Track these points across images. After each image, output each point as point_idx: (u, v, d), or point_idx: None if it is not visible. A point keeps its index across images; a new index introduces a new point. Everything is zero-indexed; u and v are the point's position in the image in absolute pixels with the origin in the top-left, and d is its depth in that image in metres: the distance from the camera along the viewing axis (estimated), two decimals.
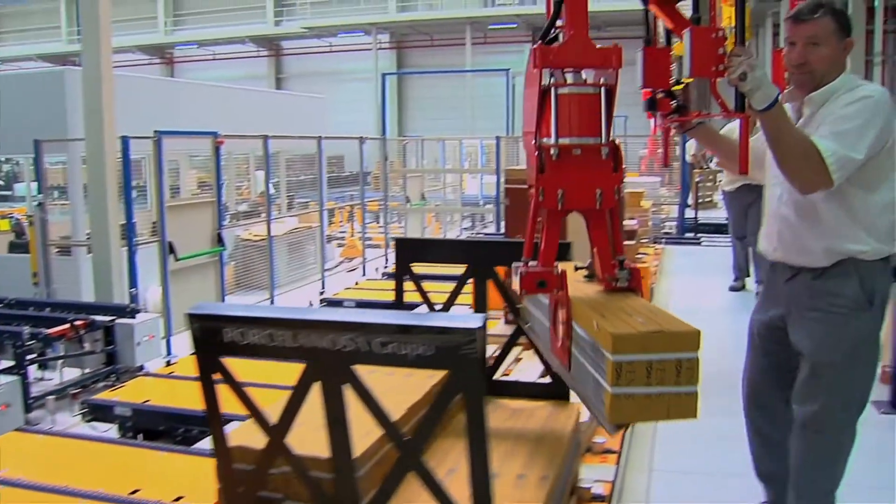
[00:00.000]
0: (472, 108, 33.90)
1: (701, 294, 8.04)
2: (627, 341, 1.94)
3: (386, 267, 12.01)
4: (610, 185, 2.27)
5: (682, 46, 2.53)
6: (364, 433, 1.99)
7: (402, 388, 2.49)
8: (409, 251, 3.11)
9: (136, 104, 10.90)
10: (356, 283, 10.13)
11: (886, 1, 24.93)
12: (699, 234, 12.93)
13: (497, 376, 4.37)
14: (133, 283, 7.37)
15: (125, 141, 7.19)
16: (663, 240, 11.88)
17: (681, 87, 2.61)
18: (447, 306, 3.08)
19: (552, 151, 2.23)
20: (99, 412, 5.03)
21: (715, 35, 2.41)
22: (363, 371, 1.72)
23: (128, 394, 5.20)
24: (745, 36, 2.55)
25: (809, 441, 2.93)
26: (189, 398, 4.79)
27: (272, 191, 14.02)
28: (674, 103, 2.63)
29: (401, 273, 3.13)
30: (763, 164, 3.06)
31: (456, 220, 16.74)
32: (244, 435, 2.06)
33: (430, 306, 3.13)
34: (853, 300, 2.86)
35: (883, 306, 2.94)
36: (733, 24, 2.64)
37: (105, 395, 5.29)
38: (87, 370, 6.58)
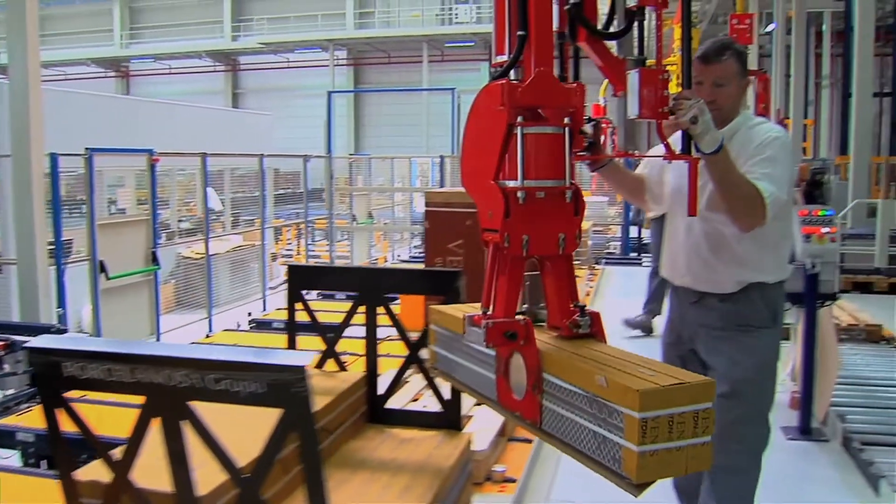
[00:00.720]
0: (428, 126, 34.06)
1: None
2: (653, 397, 1.86)
3: None
4: (573, 230, 2.21)
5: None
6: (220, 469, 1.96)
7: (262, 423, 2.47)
8: (301, 278, 3.09)
9: (70, 119, 10.76)
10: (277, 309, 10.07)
11: (833, 26, 25.47)
12: (642, 255, 13.00)
13: (406, 403, 4.39)
14: (61, 302, 7.26)
15: (54, 158, 7.10)
16: (604, 260, 11.98)
17: (590, 124, 2.59)
18: (335, 337, 3.07)
19: (519, 195, 2.12)
20: (2, 438, 4.90)
21: (661, 76, 2.35)
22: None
23: (33, 419, 5.06)
24: (690, 79, 2.55)
25: (727, 451, 2.98)
26: (96, 423, 4.69)
27: (219, 208, 13.93)
28: (586, 142, 2.60)
29: (293, 300, 3.11)
30: (661, 196, 3.19)
31: (406, 238, 16.72)
32: (95, 469, 2.03)
33: (323, 334, 3.11)
34: (760, 320, 3.06)
35: (782, 323, 3.18)
36: (676, 46, 2.63)
37: (8, 421, 5.17)
38: (8, 392, 6.44)
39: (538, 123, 2.19)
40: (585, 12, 2.28)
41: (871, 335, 7.09)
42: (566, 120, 2.21)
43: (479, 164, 2.21)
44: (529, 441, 4.35)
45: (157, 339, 8.44)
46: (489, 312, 2.21)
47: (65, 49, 36.90)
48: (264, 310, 10.46)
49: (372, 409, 3.10)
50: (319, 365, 3.15)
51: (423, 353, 2.98)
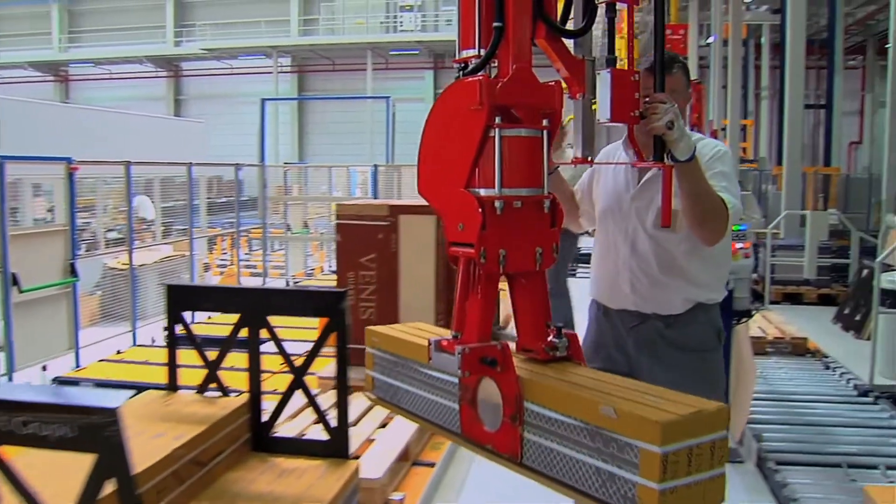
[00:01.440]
0: (372, 135, 33.76)
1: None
2: (675, 429, 1.68)
3: None
4: (549, 243, 2.04)
5: None
6: None
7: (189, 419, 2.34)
8: (181, 298, 2.94)
9: None
10: (208, 318, 9.85)
11: (772, 38, 25.79)
12: (577, 265, 12.89)
13: (305, 428, 4.23)
14: None
15: None
16: None
17: None
18: (217, 361, 2.92)
19: (496, 205, 1.93)
20: None
21: (633, 77, 2.18)
22: None
23: None
24: (664, 81, 2.33)
25: None
26: None
27: (153, 217, 13.63)
28: None
29: (172, 322, 2.96)
30: (591, 213, 3.10)
31: None
32: None
33: (205, 357, 2.96)
34: (707, 341, 2.98)
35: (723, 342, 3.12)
36: (622, 57, 2.52)
37: None
38: None
39: (516, 125, 2.00)
40: (546, 8, 2.06)
41: (797, 348, 7.09)
42: (545, 122, 2.03)
43: (444, 170, 2.02)
44: (433, 465, 4.22)
45: (76, 354, 8.18)
46: (459, 336, 2.03)
47: (1, 52, 36.13)
48: (192, 321, 10.20)
49: (256, 437, 2.96)
50: (201, 389, 3.00)
51: (329, 371, 2.84)
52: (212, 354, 2.96)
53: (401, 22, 35.83)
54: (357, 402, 4.64)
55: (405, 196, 13.39)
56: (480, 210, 1.91)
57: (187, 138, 17.00)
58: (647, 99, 2.28)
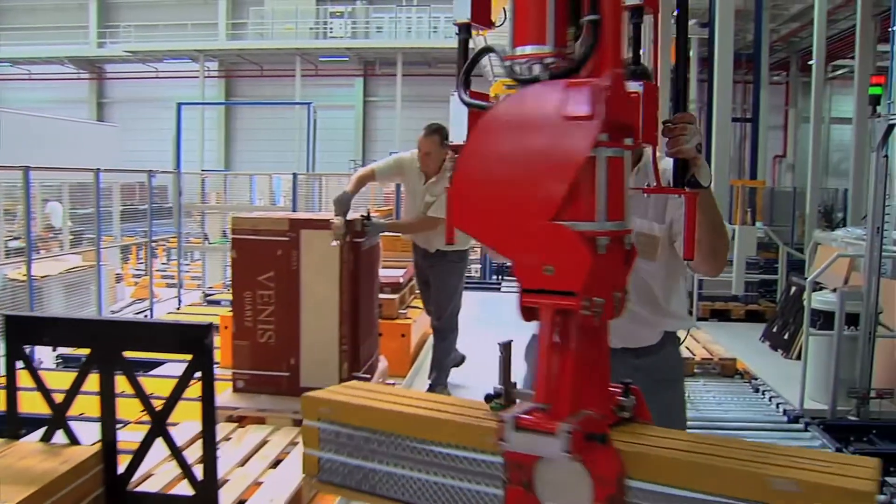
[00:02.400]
0: (300, 142, 33.19)
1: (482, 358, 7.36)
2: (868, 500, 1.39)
3: (178, 308, 11.22)
4: (623, 286, 1.66)
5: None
6: None
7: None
8: (22, 330, 2.53)
9: None
10: None
11: (700, 52, 25.97)
12: (502, 278, 12.65)
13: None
14: None
15: None
16: None
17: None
18: (64, 404, 2.51)
19: (601, 242, 1.54)
20: None
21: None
22: None
23: None
24: (687, 100, 2.00)
25: None
26: None
27: (58, 224, 13.00)
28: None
29: (12, 358, 2.54)
30: None
31: None
32: None
33: (51, 404, 2.55)
34: (675, 371, 2.80)
35: None
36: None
37: None
38: None
39: (617, 144, 1.59)
40: None
41: (726, 369, 6.84)
42: (628, 140, 1.63)
43: (513, 196, 1.56)
44: None
45: None
46: (548, 408, 1.61)
47: None
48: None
49: (111, 493, 2.55)
50: (46, 437, 2.58)
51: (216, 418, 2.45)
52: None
53: (331, 28, 35.30)
54: (250, 437, 4.24)
55: (329, 207, 13.00)
56: (588, 250, 1.51)
57: (100, 142, 16.30)
58: (674, 119, 1.98)
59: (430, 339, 6.35)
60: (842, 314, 5.42)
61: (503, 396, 1.82)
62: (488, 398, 1.87)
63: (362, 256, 4.70)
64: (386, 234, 8.38)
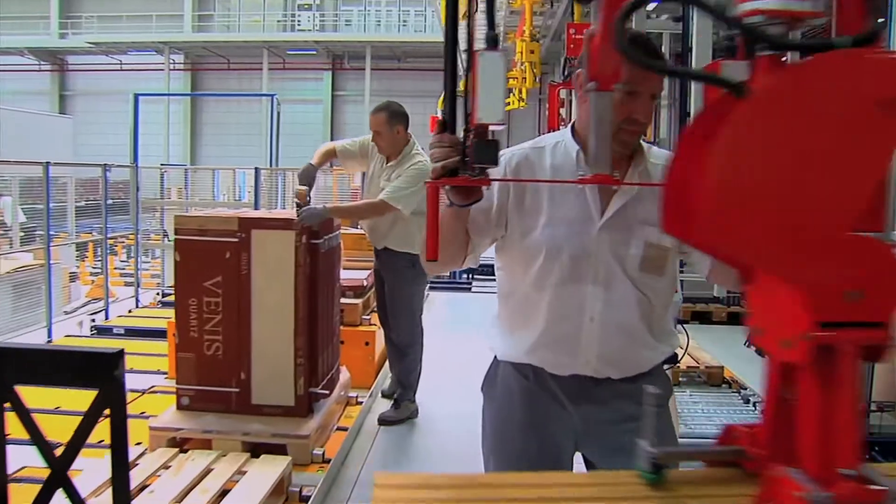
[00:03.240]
0: (267, 136, 32.61)
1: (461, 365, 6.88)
2: None
3: (129, 312, 10.68)
4: None
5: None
6: None
7: None
8: None
9: None
10: (66, 336, 8.81)
11: (672, 48, 25.69)
12: (472, 277, 12.18)
13: None
14: None
15: None
16: (428, 285, 10.88)
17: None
18: None
19: None
20: None
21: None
22: None
23: None
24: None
25: None
26: None
27: (21, 219, 12.43)
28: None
29: None
30: (485, 246, 2.21)
31: None
32: None
33: None
34: (665, 392, 2.34)
35: None
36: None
37: None
38: None
39: None
40: None
41: (712, 378, 6.39)
42: None
43: (787, 200, 1.18)
44: None
45: None
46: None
47: None
48: (49, 338, 9.14)
49: None
50: None
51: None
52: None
53: (298, 21, 34.82)
54: (191, 465, 3.78)
55: (292, 202, 12.50)
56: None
57: (52, 135, 15.71)
58: None
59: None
60: None
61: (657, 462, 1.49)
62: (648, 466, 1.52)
63: (320, 259, 4.24)
64: (348, 231, 7.96)
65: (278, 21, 35.26)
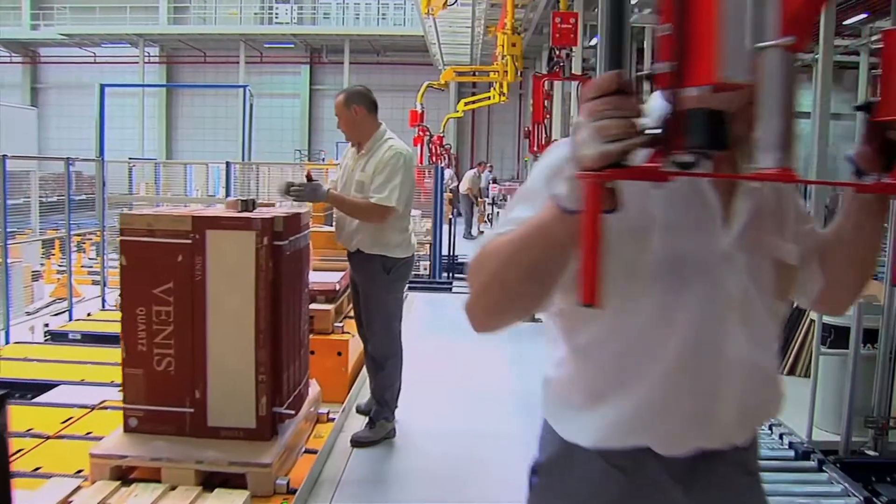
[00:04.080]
0: (248, 131, 32.15)
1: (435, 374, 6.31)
2: None
3: (104, 308, 10.16)
4: None
5: None
6: None
7: None
8: None
9: None
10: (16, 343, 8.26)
11: (639, 44, 25.35)
12: (453, 276, 11.68)
13: None
14: None
15: None
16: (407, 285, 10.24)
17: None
18: None
19: None
20: None
21: None
22: None
23: None
24: None
25: None
26: None
27: None
28: None
29: None
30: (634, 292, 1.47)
31: None
32: None
33: None
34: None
35: None
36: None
37: None
38: None
39: None
40: None
41: None
42: None
43: None
44: None
45: None
46: None
47: None
48: (6, 342, 8.61)
49: None
50: None
51: None
52: None
53: (276, 14, 34.29)
54: (134, 501, 3.30)
55: (270, 197, 11.97)
56: None
57: (13, 127, 15.11)
58: None
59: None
60: (859, 330, 4.59)
61: None
62: None
63: (285, 261, 3.75)
64: (321, 229, 7.46)
65: (255, 14, 34.71)
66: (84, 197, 17.87)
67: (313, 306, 5.09)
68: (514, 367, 6.68)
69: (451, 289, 10.62)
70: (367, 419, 4.88)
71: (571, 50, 11.05)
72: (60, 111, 34.96)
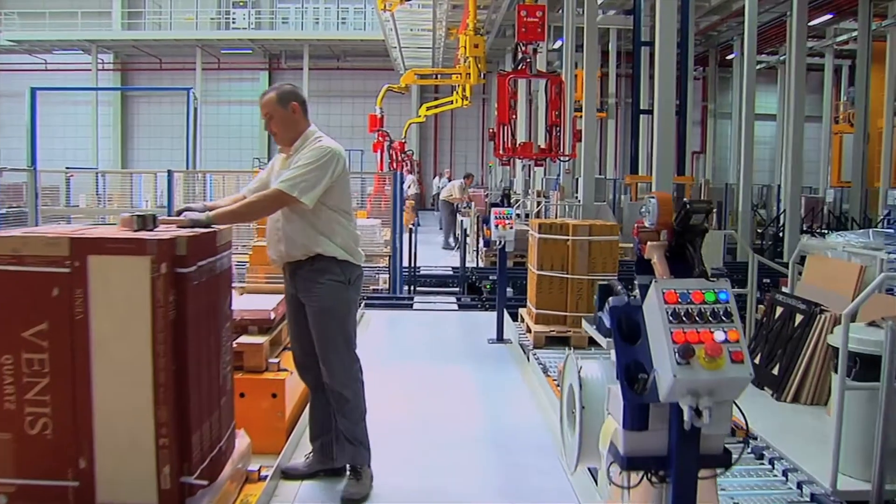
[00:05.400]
0: (204, 139, 31.52)
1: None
2: None
3: None
4: None
5: None
6: None
7: None
8: None
9: None
10: None
11: (620, 47, 24.92)
12: (414, 290, 10.87)
13: None
14: None
15: None
16: (364, 301, 9.13)
17: None
18: None
19: None
20: None
21: None
22: None
23: None
24: None
25: None
26: None
27: None
28: None
29: None
30: None
31: None
32: None
33: None
34: None
35: None
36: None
37: None
38: None
39: None
40: None
41: None
42: None
43: None
44: None
45: None
46: None
47: None
48: None
49: None
50: None
51: None
52: None
53: (233, 18, 33.45)
54: None
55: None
56: None
57: None
58: None
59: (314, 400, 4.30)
60: (893, 360, 3.84)
61: None
62: None
63: (192, 293, 2.97)
64: (260, 240, 6.67)
65: (212, 19, 33.88)
66: (7, 209, 16.86)
67: (243, 339, 4.28)
68: (482, 398, 5.92)
69: (412, 305, 9.78)
70: (348, 474, 4.08)
71: (538, 45, 10.36)
72: (10, 120, 33.81)
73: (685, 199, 2.41)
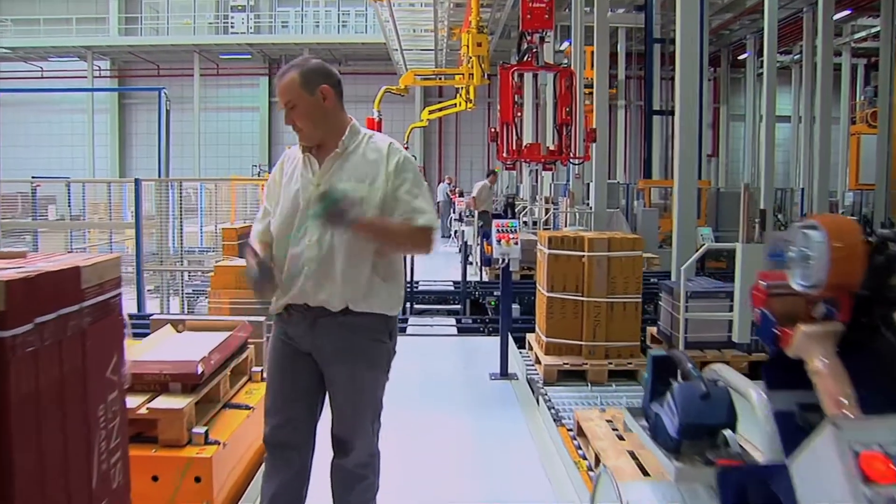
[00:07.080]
0: (203, 147, 31.16)
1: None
2: None
3: None
4: None
5: None
6: None
7: None
8: None
9: None
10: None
11: (629, 48, 24.10)
12: (412, 312, 9.92)
13: None
14: None
15: None
16: None
17: None
18: None
19: None
20: None
21: None
22: None
23: None
24: None
25: None
26: None
27: None
28: None
29: None
30: None
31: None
32: None
33: None
34: None
35: None
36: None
37: None
38: None
39: None
40: None
41: None
42: None
43: None
44: None
45: None
46: None
47: None
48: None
49: None
50: None
51: None
52: None
53: (231, 23, 32.73)
54: None
55: (189, 224, 10.17)
56: None
57: None
58: None
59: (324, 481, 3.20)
60: None
61: None
62: None
63: (21, 367, 1.90)
64: (231, 263, 5.75)
65: (210, 23, 33.23)
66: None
67: (158, 403, 3.21)
68: (477, 466, 4.87)
69: (405, 329, 8.74)
70: None
71: (545, 34, 9.33)
72: (7, 129, 33.21)
73: (879, 231, 1.33)
